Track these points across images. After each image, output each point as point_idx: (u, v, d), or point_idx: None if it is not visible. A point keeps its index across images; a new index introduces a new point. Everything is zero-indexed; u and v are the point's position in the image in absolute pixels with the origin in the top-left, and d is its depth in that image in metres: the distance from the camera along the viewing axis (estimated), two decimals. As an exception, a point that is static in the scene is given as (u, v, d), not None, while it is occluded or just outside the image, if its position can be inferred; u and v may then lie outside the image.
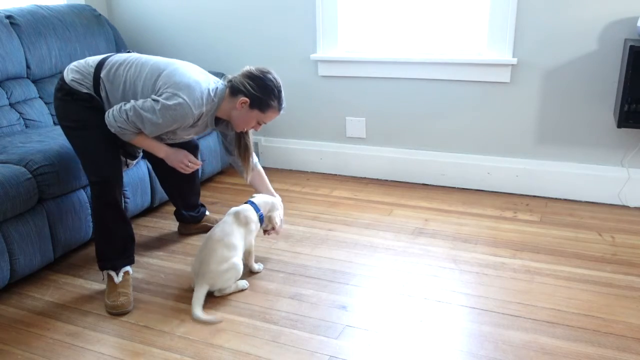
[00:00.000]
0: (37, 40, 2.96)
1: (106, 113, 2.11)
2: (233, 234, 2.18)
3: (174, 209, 2.74)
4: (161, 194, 2.92)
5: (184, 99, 2.02)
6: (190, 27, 3.62)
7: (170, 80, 2.06)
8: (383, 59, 3.17)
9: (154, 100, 2.04)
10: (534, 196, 3.09)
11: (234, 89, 2.13)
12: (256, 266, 2.38)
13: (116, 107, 2.09)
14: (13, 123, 2.76)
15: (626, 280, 2.26)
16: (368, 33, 3.25)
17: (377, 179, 3.43)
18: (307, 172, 3.59)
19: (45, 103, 2.96)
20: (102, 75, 2.14)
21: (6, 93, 2.81)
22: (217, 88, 2.15)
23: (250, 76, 2.11)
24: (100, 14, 3.39)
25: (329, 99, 3.42)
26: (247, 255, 2.32)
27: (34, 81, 2.99)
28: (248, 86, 2.10)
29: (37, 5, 3.10)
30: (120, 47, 3.46)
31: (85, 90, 2.15)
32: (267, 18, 3.39)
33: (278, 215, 2.37)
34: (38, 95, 2.96)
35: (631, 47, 2.48)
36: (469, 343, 1.91)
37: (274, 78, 2.14)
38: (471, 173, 3.20)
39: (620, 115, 2.60)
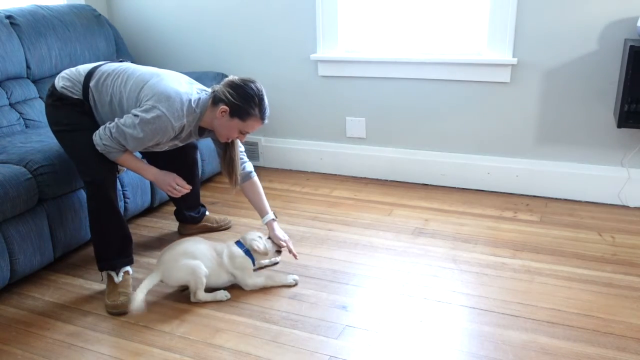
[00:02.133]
0: (37, 40, 2.96)
1: (94, 134, 2.12)
2: (206, 246, 2.19)
3: (173, 208, 2.74)
4: (161, 194, 2.92)
5: (162, 112, 2.02)
6: (190, 27, 3.62)
7: (151, 92, 2.06)
8: (383, 59, 3.17)
9: (134, 115, 2.05)
10: (534, 196, 3.09)
11: (215, 99, 2.12)
12: (288, 279, 2.27)
13: (101, 128, 2.11)
14: (13, 123, 2.76)
15: (626, 280, 2.26)
16: (368, 33, 3.24)
17: (377, 179, 3.43)
18: (307, 172, 3.59)
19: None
20: (91, 85, 2.15)
21: (6, 93, 2.81)
22: (199, 98, 2.13)
23: (231, 85, 2.10)
24: (100, 14, 3.39)
25: (329, 99, 3.42)
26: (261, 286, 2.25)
27: (34, 81, 2.99)
28: (228, 95, 2.08)
29: (37, 5, 3.10)
30: (120, 47, 3.46)
31: (75, 97, 2.17)
32: (267, 18, 3.39)
33: (256, 240, 2.22)
34: (38, 95, 2.96)
35: (631, 47, 2.48)
36: (469, 343, 1.91)
37: (256, 87, 2.11)
38: (471, 173, 3.20)
39: (620, 115, 2.60)
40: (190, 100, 2.10)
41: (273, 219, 2.37)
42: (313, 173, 3.57)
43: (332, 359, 1.85)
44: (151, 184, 2.85)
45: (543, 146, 3.03)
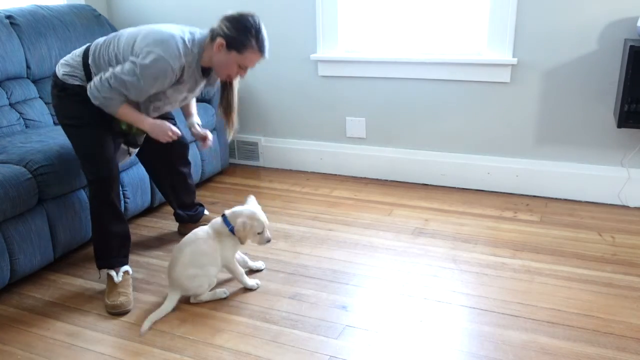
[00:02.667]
0: (37, 40, 2.96)
1: (87, 86, 2.07)
2: (205, 241, 2.13)
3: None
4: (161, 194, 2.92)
5: (159, 54, 1.99)
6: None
7: (145, 40, 2.02)
8: (383, 59, 3.17)
9: (132, 62, 2.01)
10: (534, 196, 3.09)
11: (213, 35, 2.07)
12: (249, 282, 2.25)
13: (96, 79, 2.05)
14: (13, 123, 2.76)
15: (626, 280, 2.26)
16: (368, 33, 3.24)
17: (377, 179, 3.43)
18: (307, 172, 3.59)
19: (45, 103, 2.96)
20: (89, 62, 2.13)
21: (6, 93, 2.81)
22: (193, 38, 2.09)
23: (227, 18, 2.06)
24: (100, 14, 3.39)
25: (329, 99, 3.42)
26: (230, 272, 2.23)
27: (34, 81, 2.99)
28: (224, 27, 2.04)
29: (37, 5, 3.10)
30: (120, 47, 3.46)
31: (77, 83, 2.15)
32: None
33: (243, 223, 2.11)
34: (38, 95, 2.96)
35: (631, 47, 2.48)
36: (469, 343, 1.91)
37: (253, 19, 2.06)
38: (471, 173, 3.20)
39: (620, 115, 2.60)
40: (184, 40, 2.05)
41: (196, 124, 2.45)
42: (313, 173, 3.57)
43: (332, 359, 1.85)
44: (151, 183, 2.85)
45: (543, 146, 3.03)
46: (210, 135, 2.46)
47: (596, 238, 2.61)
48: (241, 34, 2.04)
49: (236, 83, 2.26)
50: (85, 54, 2.16)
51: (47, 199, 2.33)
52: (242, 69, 2.13)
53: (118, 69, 2.04)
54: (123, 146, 2.29)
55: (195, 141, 2.80)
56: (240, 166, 3.74)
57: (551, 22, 2.82)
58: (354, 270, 2.39)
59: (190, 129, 2.47)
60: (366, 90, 3.30)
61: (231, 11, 2.08)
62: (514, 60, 2.91)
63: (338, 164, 3.51)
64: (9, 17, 2.90)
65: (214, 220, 2.20)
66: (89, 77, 2.14)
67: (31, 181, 2.23)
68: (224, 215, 2.17)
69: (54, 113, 2.94)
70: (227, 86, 2.25)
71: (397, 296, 2.19)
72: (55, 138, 2.50)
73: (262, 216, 2.17)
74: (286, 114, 3.56)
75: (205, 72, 2.20)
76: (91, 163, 2.19)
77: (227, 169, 3.63)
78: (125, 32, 2.14)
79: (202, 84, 2.26)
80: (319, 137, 3.53)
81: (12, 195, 2.14)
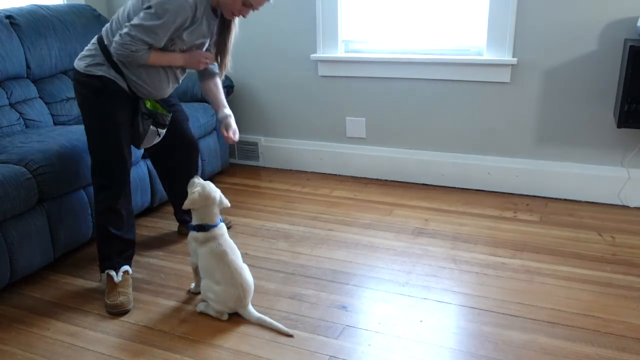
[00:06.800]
0: (37, 40, 2.96)
1: (111, 48, 2.08)
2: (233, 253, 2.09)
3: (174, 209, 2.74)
4: (161, 194, 2.92)
5: None
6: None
7: None
8: (383, 59, 3.17)
9: (147, 8, 2.02)
10: (534, 196, 3.09)
11: None
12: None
13: (116, 38, 2.06)
14: (13, 123, 2.76)
15: (626, 280, 2.26)
16: (368, 33, 3.25)
17: (377, 179, 3.43)
18: (307, 172, 3.59)
19: (46, 103, 2.96)
20: (106, 44, 2.13)
21: (6, 93, 2.81)
22: None
23: None
24: (100, 14, 3.39)
25: (329, 99, 3.42)
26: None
27: (34, 81, 2.99)
28: None
29: (37, 5, 3.10)
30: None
31: (100, 73, 2.13)
32: (267, 18, 3.39)
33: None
34: (38, 95, 2.96)
35: (631, 47, 2.48)
36: (469, 343, 1.91)
37: None
38: (471, 173, 3.20)
39: (620, 115, 2.60)
40: None
41: (229, 115, 2.44)
42: (313, 173, 3.57)
43: (332, 359, 1.85)
44: (151, 183, 2.85)
45: (543, 146, 3.03)
46: (237, 134, 2.48)
47: (596, 238, 2.61)
48: None
49: (235, 26, 2.28)
50: (100, 40, 2.16)
51: (47, 199, 2.33)
52: (246, 6, 2.15)
53: (134, 20, 2.04)
54: (152, 127, 2.28)
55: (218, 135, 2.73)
56: (240, 166, 3.74)
57: (551, 22, 2.82)
58: (354, 270, 2.39)
59: (222, 120, 2.46)
60: (366, 90, 3.30)
61: None
62: (514, 60, 2.91)
63: (338, 164, 3.51)
64: (9, 17, 2.90)
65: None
66: (109, 59, 2.14)
67: (31, 181, 2.23)
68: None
69: (54, 113, 2.95)
70: (225, 27, 2.26)
71: (397, 296, 2.19)
72: (55, 138, 2.50)
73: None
74: (286, 114, 3.56)
75: (215, 13, 2.21)
76: (106, 169, 2.20)
77: (227, 169, 3.63)
78: (128, 1, 2.15)
79: (215, 28, 2.26)
80: (319, 137, 3.53)
81: (12, 195, 2.14)
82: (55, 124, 2.94)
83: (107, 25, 2.18)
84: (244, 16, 2.21)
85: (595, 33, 2.76)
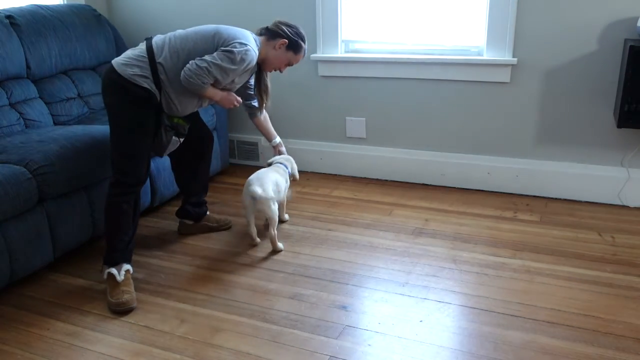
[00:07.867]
0: (37, 40, 2.96)
1: (182, 75, 2.22)
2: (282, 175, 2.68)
3: (174, 209, 2.74)
4: (161, 194, 2.92)
5: (250, 46, 2.29)
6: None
7: (229, 36, 2.27)
8: (383, 59, 3.17)
9: (226, 51, 2.23)
10: (534, 196, 3.09)
11: (272, 34, 2.44)
12: (286, 216, 2.87)
13: (192, 68, 2.20)
14: (13, 123, 2.76)
15: (626, 280, 2.26)
16: (368, 33, 3.24)
17: (377, 179, 3.43)
18: (307, 172, 3.59)
19: (46, 103, 2.96)
20: (160, 60, 2.23)
21: (6, 93, 2.81)
22: (254, 36, 2.43)
23: (286, 24, 2.46)
24: (100, 14, 3.39)
25: (329, 99, 3.42)
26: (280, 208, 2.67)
27: (34, 81, 2.99)
28: (287, 30, 2.43)
29: (37, 5, 3.10)
30: (120, 47, 3.46)
31: (145, 85, 2.21)
32: (267, 18, 3.37)
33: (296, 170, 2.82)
34: (38, 95, 2.96)
35: (631, 47, 2.48)
36: (469, 343, 1.91)
37: (303, 30, 2.50)
38: (471, 173, 3.20)
39: (620, 115, 2.60)
40: (253, 37, 2.39)
41: (280, 143, 2.91)
42: (313, 173, 3.57)
43: (332, 359, 1.85)
44: (151, 183, 2.86)
45: (543, 146, 3.03)
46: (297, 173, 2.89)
47: (596, 238, 2.61)
48: (299, 39, 2.46)
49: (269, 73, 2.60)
50: (150, 53, 2.24)
51: (47, 199, 2.33)
52: (287, 65, 2.53)
53: (213, 57, 2.22)
54: (175, 138, 2.42)
55: None
56: (240, 166, 3.74)
57: (551, 22, 2.82)
58: (354, 270, 2.39)
59: (275, 147, 2.90)
60: (366, 90, 3.30)
61: (281, 19, 2.48)
62: (514, 60, 2.91)
63: (338, 164, 3.51)
64: (9, 17, 2.90)
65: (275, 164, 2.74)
66: (155, 76, 2.23)
67: (31, 181, 2.23)
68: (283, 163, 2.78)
69: (55, 113, 2.95)
70: (261, 75, 2.56)
71: (397, 296, 2.19)
72: (55, 138, 2.50)
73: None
74: (286, 114, 3.56)
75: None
76: (134, 167, 2.26)
77: (227, 169, 3.63)
78: (187, 31, 2.34)
79: (249, 75, 2.55)
80: (319, 137, 3.53)
81: (12, 195, 2.14)
82: (55, 124, 2.95)
83: (160, 42, 2.28)
84: (281, 71, 2.56)
85: (595, 33, 2.76)
